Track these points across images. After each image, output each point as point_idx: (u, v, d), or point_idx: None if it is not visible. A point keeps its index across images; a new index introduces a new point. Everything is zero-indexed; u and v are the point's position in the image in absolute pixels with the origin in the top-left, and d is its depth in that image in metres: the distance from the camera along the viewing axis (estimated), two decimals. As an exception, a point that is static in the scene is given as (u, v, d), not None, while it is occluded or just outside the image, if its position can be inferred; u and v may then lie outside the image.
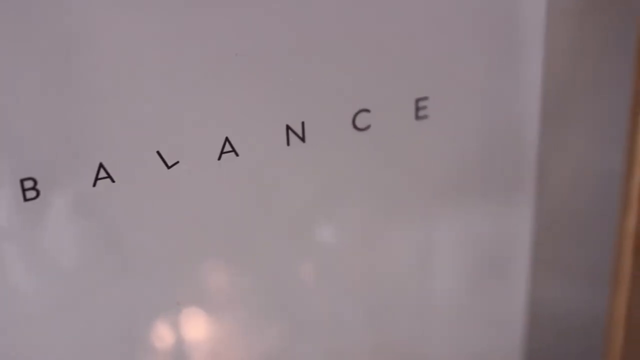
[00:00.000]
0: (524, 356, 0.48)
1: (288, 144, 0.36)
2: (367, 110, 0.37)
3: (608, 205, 0.48)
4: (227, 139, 0.35)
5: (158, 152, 0.34)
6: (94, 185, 0.34)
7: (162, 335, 0.40)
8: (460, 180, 0.41)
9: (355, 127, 0.37)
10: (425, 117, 0.38)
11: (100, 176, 0.34)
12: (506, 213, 0.43)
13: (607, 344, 0.49)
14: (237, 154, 0.35)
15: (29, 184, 0.33)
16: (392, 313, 0.44)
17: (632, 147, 0.45)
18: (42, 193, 0.33)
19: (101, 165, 0.33)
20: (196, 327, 0.41)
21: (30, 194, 0.33)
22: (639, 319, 0.48)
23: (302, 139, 0.36)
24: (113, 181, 0.34)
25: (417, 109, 0.38)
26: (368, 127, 0.37)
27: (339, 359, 0.44)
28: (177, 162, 0.35)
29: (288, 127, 0.36)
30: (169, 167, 0.34)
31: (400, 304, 0.44)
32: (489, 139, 0.40)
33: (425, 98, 0.38)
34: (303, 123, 0.36)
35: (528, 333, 0.48)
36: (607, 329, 0.49)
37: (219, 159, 0.35)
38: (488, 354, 0.47)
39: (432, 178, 0.40)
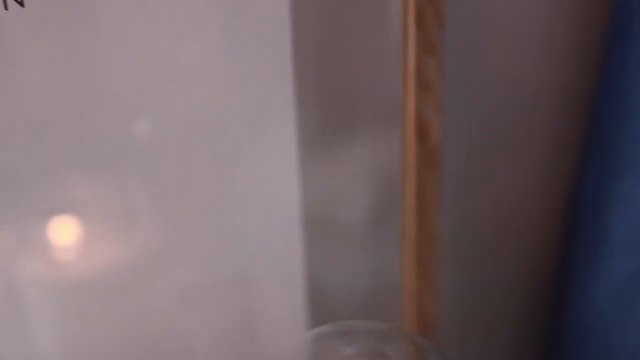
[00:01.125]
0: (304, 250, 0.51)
1: (6, 8, 0.39)
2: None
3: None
4: None
5: None
6: None
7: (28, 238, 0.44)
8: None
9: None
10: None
11: None
12: (266, 99, 0.45)
13: (403, 230, 0.51)
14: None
15: None
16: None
17: (406, 35, 0.47)
18: None
19: None
20: (63, 230, 0.45)
21: None
22: (427, 199, 0.50)
23: (21, 4, 0.39)
24: None
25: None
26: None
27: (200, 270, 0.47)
28: None
29: (2, -8, 0.39)
30: None
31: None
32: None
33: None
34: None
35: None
36: (402, 215, 0.51)
37: None
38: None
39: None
